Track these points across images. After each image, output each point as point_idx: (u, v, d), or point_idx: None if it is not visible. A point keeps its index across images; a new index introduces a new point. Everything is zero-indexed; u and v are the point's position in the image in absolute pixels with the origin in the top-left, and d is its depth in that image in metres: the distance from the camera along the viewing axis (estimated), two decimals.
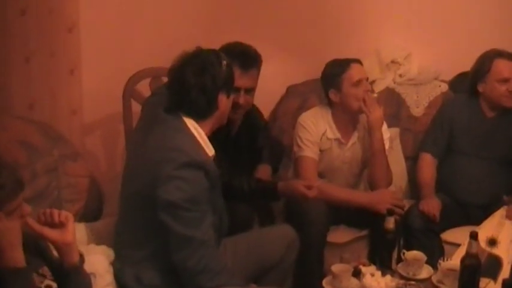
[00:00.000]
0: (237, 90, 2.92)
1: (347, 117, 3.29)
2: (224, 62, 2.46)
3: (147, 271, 2.42)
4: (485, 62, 3.40)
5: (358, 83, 3.19)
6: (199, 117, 2.44)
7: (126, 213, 2.53)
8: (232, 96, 2.56)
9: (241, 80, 2.89)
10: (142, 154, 2.44)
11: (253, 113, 3.27)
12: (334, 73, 3.23)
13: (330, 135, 3.29)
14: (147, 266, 2.42)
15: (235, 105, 2.96)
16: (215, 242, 2.43)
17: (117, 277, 2.45)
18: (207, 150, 2.45)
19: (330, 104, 3.30)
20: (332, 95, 3.26)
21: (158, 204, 2.30)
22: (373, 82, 3.98)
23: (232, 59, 2.88)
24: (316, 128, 3.27)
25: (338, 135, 3.30)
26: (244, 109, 3.04)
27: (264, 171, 3.30)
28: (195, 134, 2.43)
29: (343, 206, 3.19)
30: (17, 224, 1.89)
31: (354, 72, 3.20)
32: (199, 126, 2.43)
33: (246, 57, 2.95)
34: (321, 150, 3.29)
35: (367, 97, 3.19)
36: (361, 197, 3.25)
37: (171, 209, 2.30)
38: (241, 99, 2.95)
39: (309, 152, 3.25)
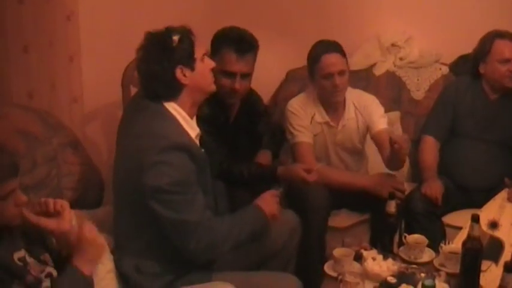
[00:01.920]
0: (233, 75, 2.93)
1: (329, 103, 3.27)
2: (175, 38, 2.39)
3: (145, 260, 2.41)
4: (486, 43, 3.39)
5: (327, 75, 3.15)
6: (170, 99, 2.41)
7: (119, 205, 2.52)
8: (200, 65, 2.45)
9: (237, 64, 2.91)
10: (126, 144, 2.43)
11: (252, 98, 3.27)
12: (310, 61, 3.23)
13: (318, 119, 3.28)
14: (145, 256, 2.41)
15: (231, 91, 2.96)
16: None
17: (117, 267, 2.44)
18: (190, 131, 2.43)
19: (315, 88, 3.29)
20: (309, 81, 3.28)
21: (146, 192, 2.28)
22: (373, 65, 3.99)
23: (228, 44, 2.89)
24: (305, 113, 3.27)
25: (327, 119, 3.29)
26: (241, 94, 3.03)
27: (264, 157, 3.30)
28: (177, 116, 2.41)
29: (344, 189, 3.18)
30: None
31: (325, 64, 3.14)
32: (179, 106, 2.42)
33: (241, 42, 2.94)
34: (313, 135, 3.28)
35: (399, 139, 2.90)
36: (362, 180, 3.25)
37: (158, 195, 2.28)
38: (237, 84, 2.96)
39: (303, 137, 3.24)
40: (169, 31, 2.43)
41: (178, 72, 2.39)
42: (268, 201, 2.58)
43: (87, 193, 2.88)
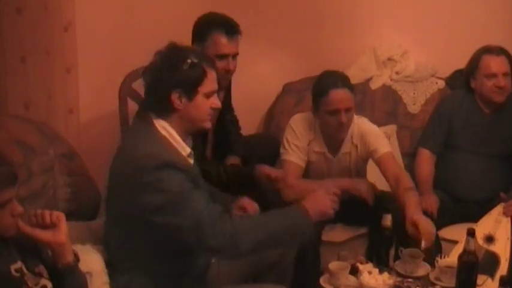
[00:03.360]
0: (225, 56, 3.02)
1: (334, 137, 3.22)
2: (189, 61, 2.32)
3: (137, 277, 2.39)
4: (475, 59, 3.42)
5: (334, 112, 3.05)
6: (160, 116, 2.36)
7: (110, 224, 2.49)
8: (201, 100, 2.37)
9: (228, 46, 3.00)
10: (118, 166, 2.40)
11: (228, 108, 3.34)
12: (316, 93, 3.14)
13: (316, 147, 3.23)
14: (137, 273, 2.39)
15: (226, 72, 3.04)
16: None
17: (111, 283, 2.41)
18: (181, 150, 2.39)
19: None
20: (313, 111, 3.20)
21: (147, 212, 2.27)
22: (370, 79, 3.99)
23: (218, 28, 2.96)
24: (306, 134, 3.22)
25: (325, 149, 3.24)
26: (231, 74, 3.14)
27: (233, 161, 3.35)
28: (166, 135, 2.37)
29: None
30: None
31: (332, 100, 3.04)
32: (169, 126, 2.37)
33: (230, 25, 3.02)
34: (310, 162, 3.26)
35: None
36: (341, 181, 3.17)
37: (163, 211, 2.26)
38: (231, 65, 3.05)
39: (293, 156, 3.20)
40: (188, 52, 2.37)
41: (174, 95, 2.32)
42: (318, 199, 2.48)
43: (83, 205, 2.87)
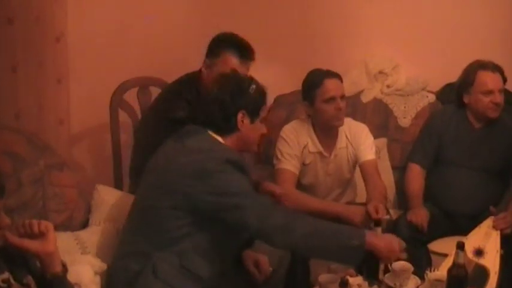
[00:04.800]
0: None
1: (326, 130, 3.28)
2: (253, 87, 2.50)
3: (164, 265, 2.40)
4: (469, 74, 3.41)
5: (330, 100, 3.15)
6: (220, 132, 2.48)
7: (144, 221, 2.49)
8: (258, 124, 2.56)
9: (239, 68, 2.91)
10: (178, 161, 2.44)
11: None
12: (309, 86, 3.23)
13: (311, 148, 3.29)
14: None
15: None
16: None
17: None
18: None
19: (308, 116, 3.30)
20: (305, 107, 3.27)
21: (207, 195, 2.35)
22: (361, 92, 4.00)
23: (232, 47, 2.95)
24: (297, 141, 3.27)
25: (320, 149, 3.29)
26: None
27: None
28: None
29: (320, 215, 3.18)
30: None
31: (327, 88, 3.16)
32: (224, 141, 2.48)
33: (245, 48, 2.99)
34: (305, 164, 3.30)
35: None
36: (336, 206, 3.26)
37: (222, 198, 2.36)
38: None
39: (287, 165, 3.25)
40: (251, 80, 2.55)
41: (240, 115, 2.47)
42: (389, 243, 2.52)
43: (73, 215, 2.85)
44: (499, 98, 3.35)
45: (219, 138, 2.48)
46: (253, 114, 2.51)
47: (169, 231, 2.40)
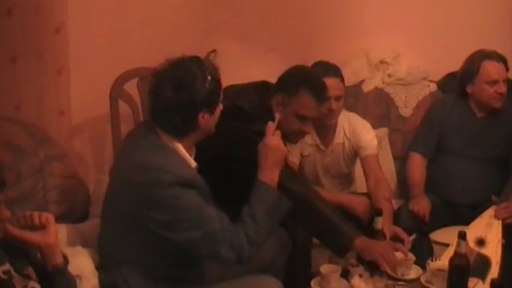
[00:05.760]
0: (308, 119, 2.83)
1: (321, 125, 3.26)
2: (209, 78, 2.30)
3: (136, 277, 2.37)
4: (473, 64, 3.40)
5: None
6: (176, 135, 2.35)
7: (113, 230, 2.45)
8: (217, 112, 2.40)
9: (315, 110, 2.82)
10: (126, 174, 2.35)
11: None
12: None
13: (309, 140, 3.28)
14: (136, 274, 2.37)
15: (304, 133, 2.91)
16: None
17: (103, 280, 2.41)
18: (190, 163, 2.39)
19: None
20: None
21: (158, 226, 2.27)
22: (362, 82, 4.00)
23: (309, 88, 2.77)
24: None
25: (317, 141, 3.30)
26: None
27: None
28: (174, 148, 2.35)
29: None
30: None
31: None
32: (180, 144, 2.36)
33: (323, 89, 2.83)
34: (303, 156, 3.30)
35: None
36: (339, 195, 3.27)
37: (175, 227, 2.26)
38: (308, 128, 2.88)
39: (288, 155, 3.22)
40: (202, 66, 2.33)
41: (200, 114, 2.32)
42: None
43: (74, 207, 2.85)
44: (503, 88, 3.34)
45: (174, 143, 2.34)
46: (213, 106, 2.36)
47: (137, 242, 2.37)
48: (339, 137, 3.31)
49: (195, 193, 2.29)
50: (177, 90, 2.28)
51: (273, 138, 2.46)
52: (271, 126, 2.49)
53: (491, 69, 3.36)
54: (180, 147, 2.36)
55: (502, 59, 3.38)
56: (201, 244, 2.28)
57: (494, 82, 3.34)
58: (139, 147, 2.36)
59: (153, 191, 2.24)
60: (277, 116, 2.64)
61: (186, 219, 2.26)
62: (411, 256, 2.76)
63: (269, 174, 2.43)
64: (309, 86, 2.77)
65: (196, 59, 2.37)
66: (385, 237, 2.81)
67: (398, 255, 2.72)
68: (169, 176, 2.24)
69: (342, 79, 3.19)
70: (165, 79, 2.31)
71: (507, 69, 3.40)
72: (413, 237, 2.92)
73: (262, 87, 2.91)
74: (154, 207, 2.25)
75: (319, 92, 2.79)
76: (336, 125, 3.30)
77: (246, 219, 2.34)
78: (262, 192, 2.40)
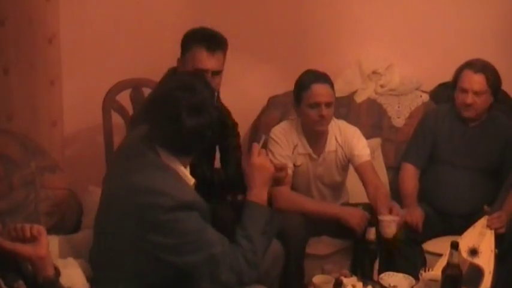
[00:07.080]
0: (205, 72, 2.87)
1: (313, 132, 3.27)
2: (216, 94, 2.42)
3: None
4: (456, 72, 3.43)
5: (314, 105, 3.14)
6: (180, 156, 2.35)
7: (107, 247, 2.40)
8: None
9: (208, 61, 2.88)
10: (125, 194, 2.29)
11: (222, 111, 3.25)
12: (298, 87, 3.22)
13: (301, 150, 3.28)
14: None
15: None
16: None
17: None
18: (187, 180, 2.38)
19: (299, 116, 3.29)
20: (294, 107, 3.28)
21: (159, 248, 2.24)
22: (355, 92, 4.00)
23: (199, 41, 2.88)
24: (287, 141, 3.27)
25: (309, 150, 3.29)
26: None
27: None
28: (173, 167, 2.33)
29: (315, 216, 3.18)
30: None
31: (314, 93, 3.13)
32: (179, 161, 2.34)
33: (212, 40, 2.93)
34: (296, 166, 3.29)
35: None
36: (333, 208, 3.28)
37: (176, 250, 2.25)
38: (211, 82, 2.83)
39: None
40: (210, 86, 2.39)
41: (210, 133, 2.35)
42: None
43: (65, 218, 2.85)
44: (470, 100, 3.32)
45: (174, 163, 2.32)
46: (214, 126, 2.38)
47: (134, 262, 2.33)
48: (330, 145, 3.31)
49: (197, 215, 2.28)
50: (197, 117, 2.27)
51: (258, 158, 2.48)
52: (256, 146, 2.51)
53: (465, 77, 3.36)
54: (180, 167, 2.36)
55: (486, 71, 3.34)
56: (201, 267, 2.27)
57: (464, 91, 3.35)
58: (138, 166, 2.31)
59: (154, 214, 2.22)
60: (263, 136, 2.67)
61: (188, 243, 2.25)
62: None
63: (258, 194, 2.45)
64: (198, 38, 2.88)
65: (202, 80, 2.43)
66: (376, 248, 2.81)
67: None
68: (171, 200, 2.22)
69: (332, 86, 3.20)
70: (181, 102, 2.27)
71: (497, 80, 3.38)
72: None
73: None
74: (154, 231, 2.23)
75: (209, 42, 2.89)
76: (327, 132, 3.30)
77: (242, 242, 2.34)
78: (254, 212, 2.42)
